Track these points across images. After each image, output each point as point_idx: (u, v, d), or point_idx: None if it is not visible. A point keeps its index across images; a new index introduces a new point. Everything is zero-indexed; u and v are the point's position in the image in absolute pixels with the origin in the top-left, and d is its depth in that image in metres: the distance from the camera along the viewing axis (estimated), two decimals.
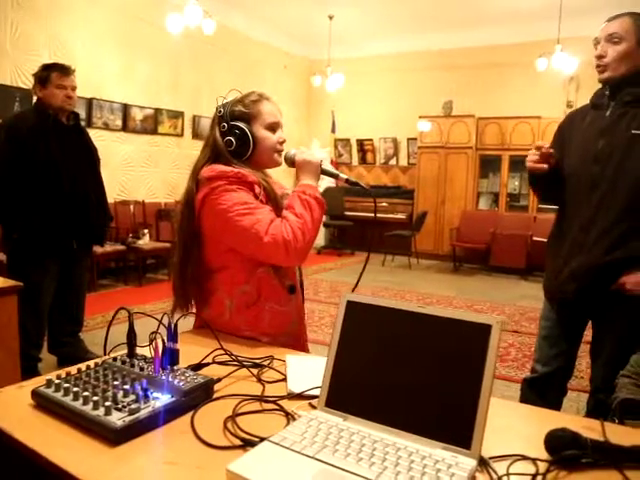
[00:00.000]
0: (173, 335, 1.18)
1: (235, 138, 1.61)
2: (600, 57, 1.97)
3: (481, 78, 8.97)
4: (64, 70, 3.30)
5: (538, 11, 7.54)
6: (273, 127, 1.68)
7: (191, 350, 1.35)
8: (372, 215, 9.39)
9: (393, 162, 9.94)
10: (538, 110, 8.16)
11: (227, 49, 8.46)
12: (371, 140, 10.00)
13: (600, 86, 2.06)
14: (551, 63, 7.25)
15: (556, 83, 7.98)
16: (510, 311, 5.79)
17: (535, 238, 7.43)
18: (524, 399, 2.26)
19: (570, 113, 2.23)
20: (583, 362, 3.74)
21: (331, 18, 8.53)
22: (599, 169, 1.96)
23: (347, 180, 1.75)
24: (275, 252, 1.50)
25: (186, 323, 1.54)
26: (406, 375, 0.96)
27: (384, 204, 9.49)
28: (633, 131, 1.90)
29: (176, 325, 1.18)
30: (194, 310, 1.68)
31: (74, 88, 3.33)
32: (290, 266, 1.65)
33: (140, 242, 6.34)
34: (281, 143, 1.70)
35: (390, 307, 1.00)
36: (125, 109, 6.92)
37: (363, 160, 10.20)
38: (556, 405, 2.19)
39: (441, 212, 8.91)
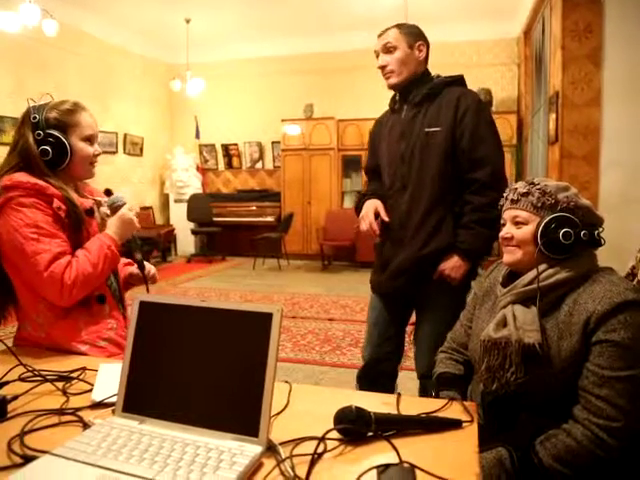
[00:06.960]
0: None
1: (51, 148, 1.54)
2: (383, 67, 2.13)
3: (339, 81, 9.26)
4: None
5: (387, 18, 7.92)
6: (90, 139, 1.65)
7: None
8: (241, 220, 9.42)
9: (259, 166, 9.95)
10: None
11: (79, 53, 7.97)
12: (236, 145, 9.93)
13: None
14: None
15: None
16: None
17: None
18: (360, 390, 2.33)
19: (377, 119, 2.37)
20: None
21: (188, 22, 8.36)
22: (406, 169, 2.10)
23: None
24: (49, 289, 1.47)
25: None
26: (197, 371, 0.97)
27: (253, 208, 9.51)
28: (426, 129, 2.06)
29: None
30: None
31: None
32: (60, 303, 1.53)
33: None
34: (96, 156, 1.67)
35: (179, 304, 0.99)
36: None
37: (229, 165, 10.11)
38: (390, 390, 2.29)
39: (308, 212, 9.07)
